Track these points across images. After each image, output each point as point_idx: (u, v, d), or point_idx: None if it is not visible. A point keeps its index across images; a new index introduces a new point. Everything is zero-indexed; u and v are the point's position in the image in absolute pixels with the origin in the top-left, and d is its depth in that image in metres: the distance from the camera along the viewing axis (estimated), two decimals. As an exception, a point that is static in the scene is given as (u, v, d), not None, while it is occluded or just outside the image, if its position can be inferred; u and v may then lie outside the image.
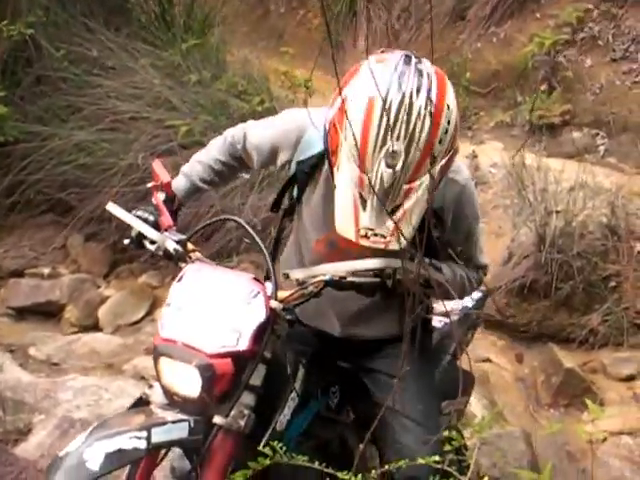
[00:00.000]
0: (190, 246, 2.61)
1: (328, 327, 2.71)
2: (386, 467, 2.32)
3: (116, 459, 2.07)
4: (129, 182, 6.16)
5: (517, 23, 7.70)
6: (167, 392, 2.32)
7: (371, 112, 2.09)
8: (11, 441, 3.92)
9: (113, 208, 2.64)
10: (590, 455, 3.92)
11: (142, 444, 2.11)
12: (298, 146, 2.55)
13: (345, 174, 2.16)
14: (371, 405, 2.67)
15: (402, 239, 2.14)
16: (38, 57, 6.98)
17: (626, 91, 6.94)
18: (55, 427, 3.94)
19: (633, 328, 5.23)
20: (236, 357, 2.26)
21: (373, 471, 2.33)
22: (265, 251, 2.44)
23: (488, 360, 5.21)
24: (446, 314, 2.89)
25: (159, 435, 2.16)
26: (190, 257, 2.56)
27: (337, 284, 2.33)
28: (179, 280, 2.42)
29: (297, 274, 2.37)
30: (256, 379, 2.35)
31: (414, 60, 2.18)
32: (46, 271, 6.33)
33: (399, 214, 2.15)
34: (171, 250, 2.55)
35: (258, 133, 2.71)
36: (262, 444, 2.28)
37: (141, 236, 2.61)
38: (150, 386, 2.40)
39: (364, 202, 2.15)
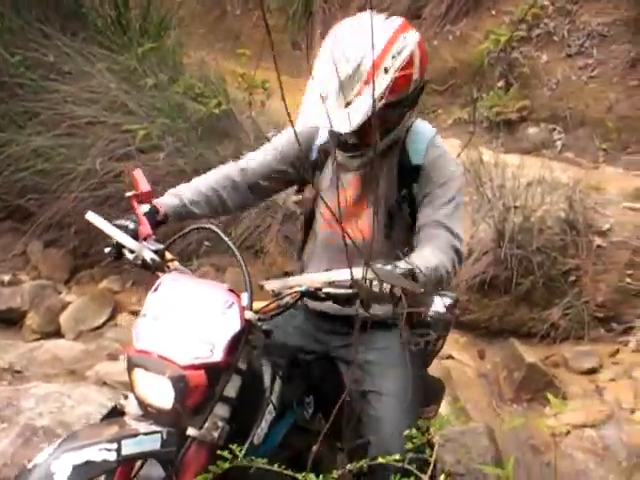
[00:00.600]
0: (168, 255, 2.60)
1: (325, 305, 2.67)
2: (348, 467, 2.31)
3: (84, 471, 2.07)
4: (88, 187, 6.15)
5: (473, 21, 7.74)
6: (141, 403, 2.32)
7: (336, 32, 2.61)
8: (-27, 451, 3.88)
9: (92, 217, 2.64)
10: (554, 448, 3.96)
11: (112, 456, 2.11)
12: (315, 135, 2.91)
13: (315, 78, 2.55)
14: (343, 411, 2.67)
15: (352, 121, 2.46)
16: (-6, 63, 6.90)
17: (582, 86, 7.01)
18: (17, 435, 3.89)
19: (594, 321, 5.30)
20: (210, 368, 2.26)
21: (334, 471, 2.32)
22: (242, 261, 2.46)
23: (450, 357, 5.23)
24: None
25: (130, 447, 2.16)
26: (168, 266, 2.57)
27: (313, 295, 2.35)
28: (155, 290, 2.42)
29: (273, 285, 2.37)
30: (230, 390, 2.35)
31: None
32: (6, 278, 6.27)
33: (353, 104, 2.49)
34: (148, 260, 2.54)
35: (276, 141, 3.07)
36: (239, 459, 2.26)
37: (120, 245, 2.60)
38: (125, 397, 2.40)
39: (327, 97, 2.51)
